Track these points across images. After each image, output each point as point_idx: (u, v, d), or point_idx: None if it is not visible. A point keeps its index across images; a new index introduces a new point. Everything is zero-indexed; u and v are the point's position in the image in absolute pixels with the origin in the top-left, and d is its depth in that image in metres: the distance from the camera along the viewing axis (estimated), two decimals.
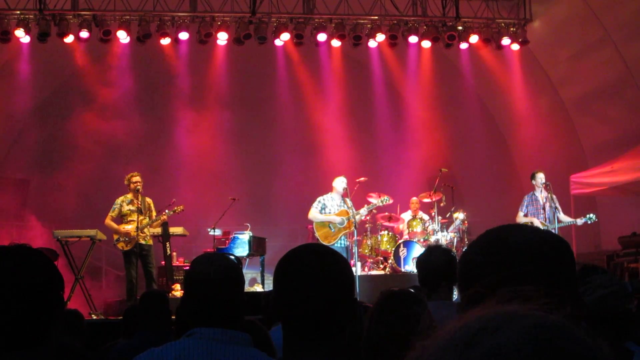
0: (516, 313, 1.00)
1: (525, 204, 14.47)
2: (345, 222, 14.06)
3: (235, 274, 3.31)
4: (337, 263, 2.42)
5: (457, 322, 1.02)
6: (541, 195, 14.33)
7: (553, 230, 13.92)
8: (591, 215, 14.30)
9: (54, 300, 2.38)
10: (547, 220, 14.10)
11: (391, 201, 15.59)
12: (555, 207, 14.15)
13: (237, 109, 19.89)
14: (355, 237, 14.28)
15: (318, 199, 14.35)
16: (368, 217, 15.31)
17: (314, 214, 14.27)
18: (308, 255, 2.44)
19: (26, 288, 2.31)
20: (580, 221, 14.25)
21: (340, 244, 14.03)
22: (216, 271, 3.25)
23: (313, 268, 2.36)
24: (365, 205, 14.63)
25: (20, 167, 19.17)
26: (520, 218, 14.36)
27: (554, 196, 14.23)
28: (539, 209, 14.26)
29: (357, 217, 14.23)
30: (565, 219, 14.32)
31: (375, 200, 15.06)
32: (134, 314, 7.02)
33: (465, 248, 1.95)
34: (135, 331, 6.25)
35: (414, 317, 3.33)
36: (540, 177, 14.30)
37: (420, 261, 5.30)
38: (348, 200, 14.34)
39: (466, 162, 20.54)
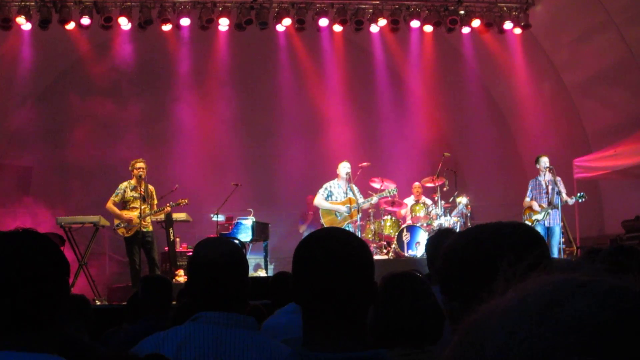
0: (583, 279, 0.96)
1: (530, 188, 14.63)
2: (351, 210, 14.08)
3: (238, 258, 3.30)
4: (357, 246, 2.40)
5: (517, 292, 0.97)
6: (544, 179, 14.36)
7: (557, 214, 14.11)
8: (581, 193, 14.38)
9: (59, 285, 2.40)
10: (549, 203, 14.16)
11: (392, 186, 15.61)
12: (559, 191, 14.17)
13: (239, 95, 19.85)
14: (358, 222, 14.32)
15: (324, 186, 14.36)
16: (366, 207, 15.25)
17: (320, 200, 14.29)
18: (328, 238, 2.41)
19: (32, 272, 2.32)
20: (571, 201, 14.33)
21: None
22: (220, 255, 3.24)
23: (333, 251, 2.33)
24: (375, 195, 14.62)
25: (22, 154, 19.15)
26: (526, 203, 14.57)
27: (558, 178, 14.29)
28: (542, 193, 14.31)
29: (367, 205, 14.25)
30: (565, 198, 14.37)
31: (378, 185, 15.03)
32: (138, 299, 7.03)
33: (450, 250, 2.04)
34: (139, 317, 6.25)
35: (418, 298, 3.33)
36: (544, 161, 14.33)
37: (431, 243, 5.29)
38: (355, 187, 14.34)
39: (469, 147, 20.52)
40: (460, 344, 0.97)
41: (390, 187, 15.06)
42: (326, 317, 2.30)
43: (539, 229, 13.97)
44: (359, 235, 13.99)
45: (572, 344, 0.89)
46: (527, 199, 14.57)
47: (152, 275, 11.25)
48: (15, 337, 2.28)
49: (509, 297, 0.97)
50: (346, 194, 14.17)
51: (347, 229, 13.65)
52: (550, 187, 14.24)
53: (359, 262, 2.36)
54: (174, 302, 7.00)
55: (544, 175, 14.37)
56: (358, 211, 14.13)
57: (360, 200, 14.21)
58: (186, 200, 13.48)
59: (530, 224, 14.03)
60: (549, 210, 14.17)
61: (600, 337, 0.89)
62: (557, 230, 14.22)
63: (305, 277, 2.36)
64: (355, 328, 2.31)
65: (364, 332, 2.34)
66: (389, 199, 15.98)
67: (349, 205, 14.06)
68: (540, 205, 14.21)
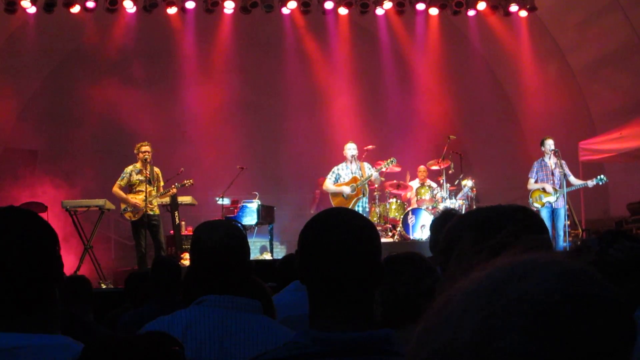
0: (542, 260, 0.99)
1: (535, 170, 14.37)
2: (357, 188, 14.07)
3: (238, 239, 3.30)
4: (363, 226, 2.37)
5: (482, 270, 1.01)
6: (550, 161, 14.26)
7: (562, 196, 13.97)
8: (601, 176, 14.15)
9: (48, 259, 2.23)
10: (558, 185, 14.08)
11: (397, 169, 15.59)
12: (564, 173, 14.09)
13: (244, 78, 19.86)
14: (366, 197, 14.34)
15: (332, 170, 14.35)
16: (377, 185, 15.21)
17: (328, 184, 14.29)
18: (334, 218, 2.39)
19: (16, 251, 2.16)
20: (591, 183, 14.09)
21: (358, 210, 13.93)
22: (220, 238, 3.25)
23: (338, 231, 2.31)
24: (374, 168, 14.58)
25: (28, 137, 19.17)
26: (531, 184, 14.28)
27: (564, 162, 14.16)
28: (549, 175, 14.18)
29: (374, 179, 14.18)
30: (576, 182, 14.20)
31: (384, 169, 15.02)
32: (137, 280, 7.03)
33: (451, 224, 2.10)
34: (144, 299, 6.25)
35: (420, 278, 3.34)
36: (549, 144, 14.20)
37: (435, 225, 5.24)
38: (365, 164, 14.30)
39: (474, 129, 20.47)
40: (427, 321, 1.01)
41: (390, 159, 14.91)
42: (332, 298, 2.28)
43: (545, 211, 13.91)
44: None
45: (515, 322, 0.92)
46: (532, 180, 14.37)
47: (164, 257, 11.27)
48: (15, 319, 2.16)
49: (472, 277, 1.01)
50: (354, 174, 14.16)
51: (358, 208, 13.72)
52: (557, 170, 14.14)
53: (365, 242, 2.33)
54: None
55: (550, 157, 14.27)
56: (364, 188, 14.12)
57: (368, 173, 14.16)
58: (191, 181, 13.46)
59: (539, 206, 13.97)
60: (560, 193, 14.09)
61: (541, 319, 0.92)
62: (562, 213, 14.12)
63: (311, 257, 2.34)
64: (362, 308, 2.29)
65: (370, 313, 2.33)
66: (394, 181, 15.98)
67: (353, 184, 14.05)
68: (553, 188, 14.09)
